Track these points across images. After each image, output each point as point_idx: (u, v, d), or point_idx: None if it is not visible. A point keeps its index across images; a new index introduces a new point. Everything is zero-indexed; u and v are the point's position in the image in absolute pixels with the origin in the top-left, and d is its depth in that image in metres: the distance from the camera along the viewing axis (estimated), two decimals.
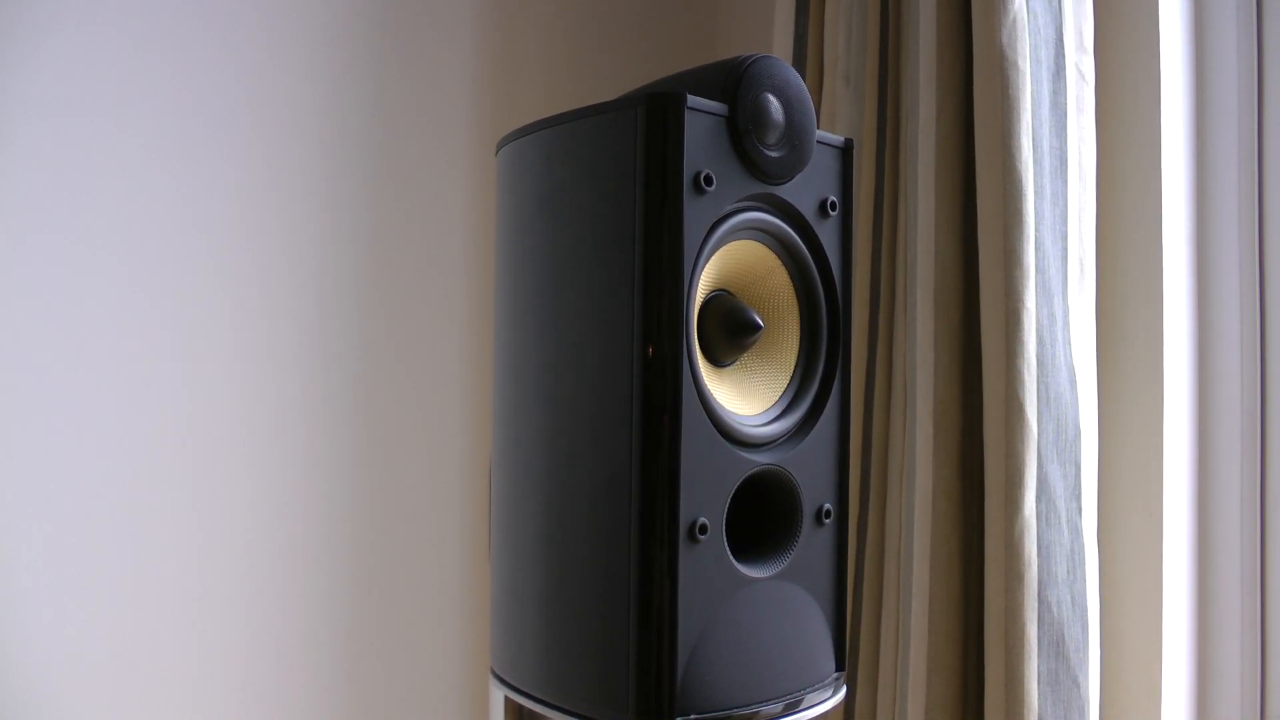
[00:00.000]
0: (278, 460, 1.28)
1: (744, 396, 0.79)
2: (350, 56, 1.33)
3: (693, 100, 0.73)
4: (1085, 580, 1.08)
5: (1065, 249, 1.10)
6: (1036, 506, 1.06)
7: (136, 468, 1.19)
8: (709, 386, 0.75)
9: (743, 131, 0.75)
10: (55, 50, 1.14)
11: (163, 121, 1.20)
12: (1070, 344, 1.09)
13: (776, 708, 0.78)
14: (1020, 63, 1.07)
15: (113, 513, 1.17)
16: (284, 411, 1.28)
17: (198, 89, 1.23)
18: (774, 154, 0.77)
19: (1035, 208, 1.07)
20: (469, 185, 1.41)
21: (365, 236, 1.34)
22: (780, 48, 1.29)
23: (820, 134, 0.81)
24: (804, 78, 1.26)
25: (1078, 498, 1.08)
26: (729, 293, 0.80)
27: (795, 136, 0.78)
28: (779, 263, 0.80)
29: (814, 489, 0.81)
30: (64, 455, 1.15)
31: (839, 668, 0.84)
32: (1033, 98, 1.07)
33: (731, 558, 0.76)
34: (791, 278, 0.81)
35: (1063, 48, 1.11)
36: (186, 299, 1.22)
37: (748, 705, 0.77)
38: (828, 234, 0.82)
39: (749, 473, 0.77)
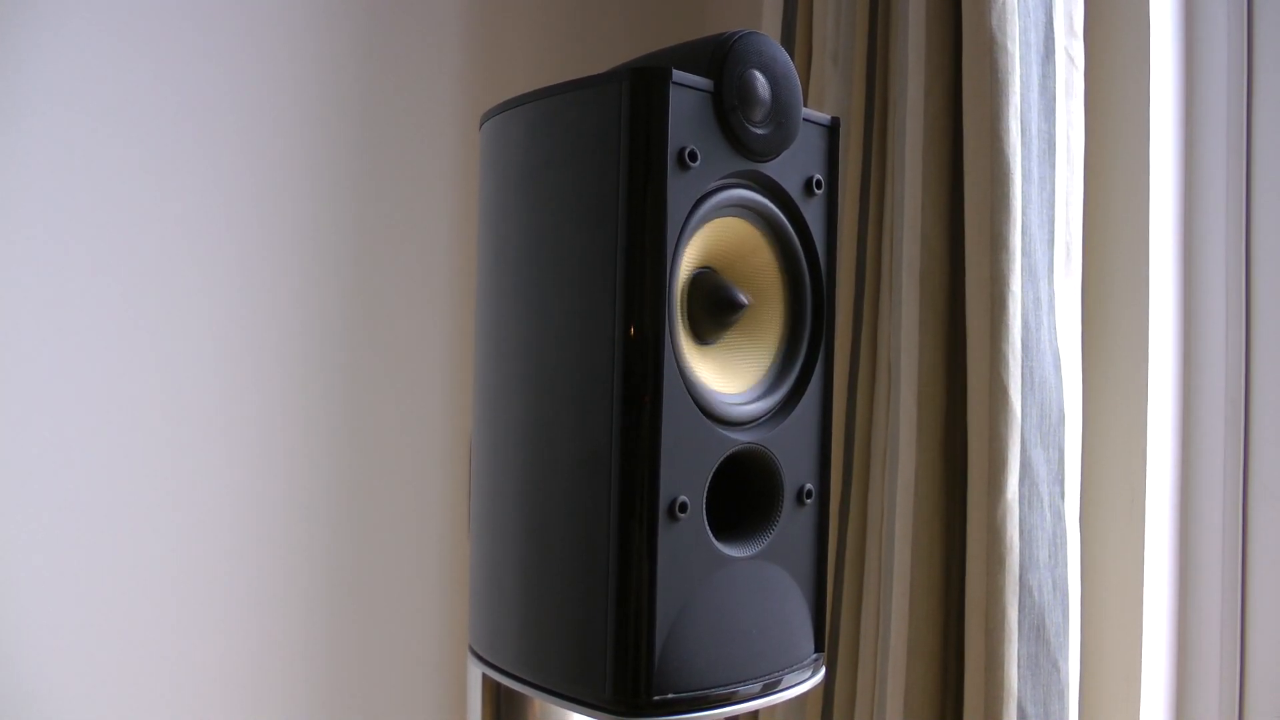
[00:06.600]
0: (257, 436, 1.27)
1: (727, 375, 0.78)
2: (333, 33, 1.32)
3: (678, 75, 0.72)
4: (1067, 564, 1.08)
5: (1052, 233, 1.10)
6: (1019, 490, 1.06)
7: (114, 450, 1.18)
8: (691, 364, 0.75)
9: (728, 108, 0.75)
10: (33, 44, 1.12)
11: (133, 107, 1.19)
12: (1055, 328, 1.09)
13: (755, 688, 0.78)
14: (1010, 45, 1.06)
15: (94, 497, 1.17)
16: (264, 388, 1.27)
17: (173, 72, 1.21)
18: (759, 131, 0.76)
19: (1023, 191, 1.07)
20: (453, 161, 1.40)
21: (346, 216, 1.33)
22: (769, 26, 1.28)
23: (807, 112, 0.80)
24: (792, 57, 1.25)
25: (1061, 482, 1.08)
26: (713, 270, 0.79)
27: (781, 113, 0.77)
28: (763, 240, 0.80)
29: (795, 469, 0.80)
30: (41, 452, 1.14)
31: (818, 649, 0.84)
32: (1022, 81, 1.07)
33: (711, 537, 0.75)
34: (776, 255, 0.80)
35: (1052, 31, 1.10)
36: (163, 286, 1.21)
37: (726, 685, 0.76)
38: (813, 212, 0.81)
39: (730, 451, 0.76)
